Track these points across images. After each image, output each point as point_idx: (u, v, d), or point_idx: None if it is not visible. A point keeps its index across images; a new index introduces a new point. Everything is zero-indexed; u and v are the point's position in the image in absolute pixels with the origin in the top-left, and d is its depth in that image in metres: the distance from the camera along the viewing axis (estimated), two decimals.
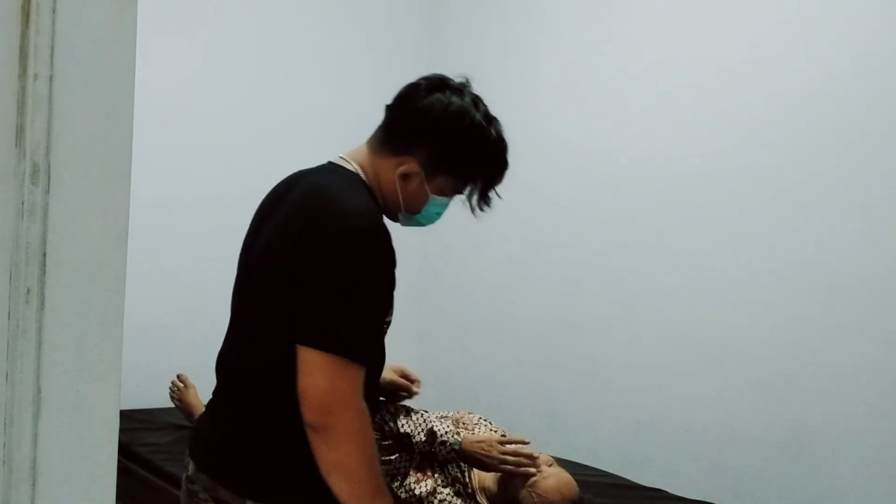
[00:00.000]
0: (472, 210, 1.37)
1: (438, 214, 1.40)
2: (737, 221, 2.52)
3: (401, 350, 4.00)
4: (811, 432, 2.32)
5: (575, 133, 3.02)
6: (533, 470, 1.72)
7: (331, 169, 1.34)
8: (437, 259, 3.59)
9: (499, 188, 1.38)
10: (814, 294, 2.33)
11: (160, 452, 2.37)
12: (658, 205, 2.75)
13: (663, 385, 2.69)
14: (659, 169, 2.75)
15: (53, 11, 0.59)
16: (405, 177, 1.32)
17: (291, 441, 1.20)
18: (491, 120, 1.35)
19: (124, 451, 2.28)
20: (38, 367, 0.59)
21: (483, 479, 1.84)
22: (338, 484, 1.19)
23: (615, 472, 2.55)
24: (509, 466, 1.72)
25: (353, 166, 1.33)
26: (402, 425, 1.75)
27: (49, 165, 0.60)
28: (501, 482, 1.79)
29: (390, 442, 1.76)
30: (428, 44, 3.61)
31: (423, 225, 1.43)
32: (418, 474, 1.76)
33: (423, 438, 1.74)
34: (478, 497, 1.80)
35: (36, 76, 0.59)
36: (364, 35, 3.52)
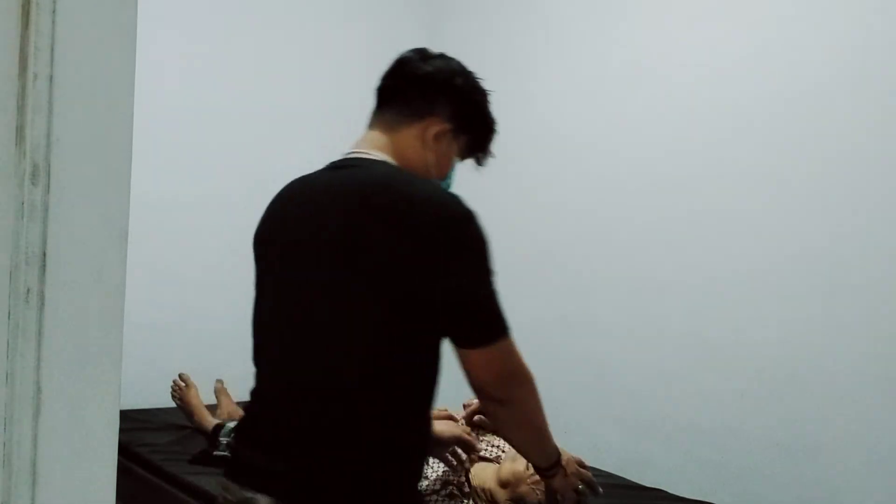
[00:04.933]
0: (479, 163, 1.42)
1: (453, 181, 1.41)
2: (737, 221, 2.52)
3: None
4: (811, 432, 2.32)
5: (576, 132, 3.02)
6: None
7: (358, 163, 1.25)
8: None
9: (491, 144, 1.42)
10: (814, 294, 2.33)
11: (160, 452, 2.37)
12: (658, 204, 2.75)
13: (663, 385, 2.69)
14: (660, 168, 2.75)
15: (53, 11, 0.59)
16: (437, 137, 1.32)
17: (402, 461, 1.22)
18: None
19: (124, 451, 2.28)
20: (38, 367, 0.59)
21: (482, 479, 1.84)
22: (522, 441, 1.37)
23: (616, 473, 2.55)
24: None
25: (377, 155, 1.27)
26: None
27: (49, 165, 0.60)
28: (505, 481, 1.79)
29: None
30: (428, 43, 3.60)
31: None
32: None
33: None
34: (475, 497, 1.80)
35: (36, 76, 0.59)
36: (365, 34, 3.53)
